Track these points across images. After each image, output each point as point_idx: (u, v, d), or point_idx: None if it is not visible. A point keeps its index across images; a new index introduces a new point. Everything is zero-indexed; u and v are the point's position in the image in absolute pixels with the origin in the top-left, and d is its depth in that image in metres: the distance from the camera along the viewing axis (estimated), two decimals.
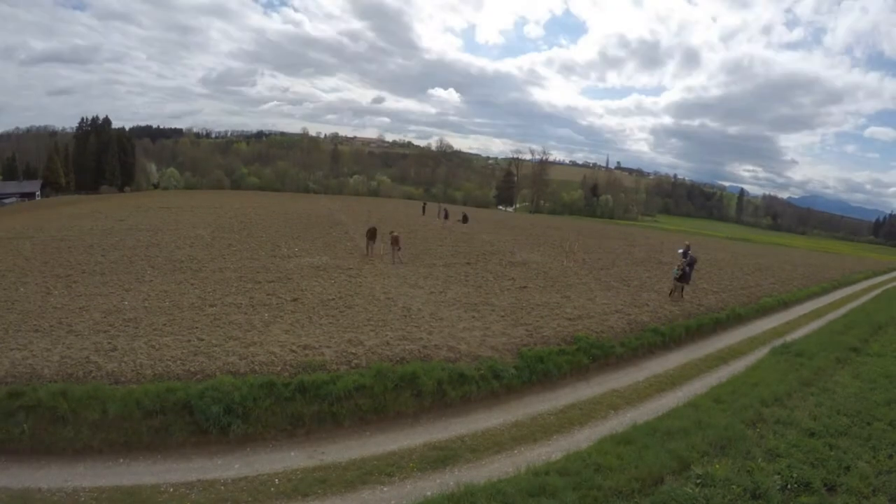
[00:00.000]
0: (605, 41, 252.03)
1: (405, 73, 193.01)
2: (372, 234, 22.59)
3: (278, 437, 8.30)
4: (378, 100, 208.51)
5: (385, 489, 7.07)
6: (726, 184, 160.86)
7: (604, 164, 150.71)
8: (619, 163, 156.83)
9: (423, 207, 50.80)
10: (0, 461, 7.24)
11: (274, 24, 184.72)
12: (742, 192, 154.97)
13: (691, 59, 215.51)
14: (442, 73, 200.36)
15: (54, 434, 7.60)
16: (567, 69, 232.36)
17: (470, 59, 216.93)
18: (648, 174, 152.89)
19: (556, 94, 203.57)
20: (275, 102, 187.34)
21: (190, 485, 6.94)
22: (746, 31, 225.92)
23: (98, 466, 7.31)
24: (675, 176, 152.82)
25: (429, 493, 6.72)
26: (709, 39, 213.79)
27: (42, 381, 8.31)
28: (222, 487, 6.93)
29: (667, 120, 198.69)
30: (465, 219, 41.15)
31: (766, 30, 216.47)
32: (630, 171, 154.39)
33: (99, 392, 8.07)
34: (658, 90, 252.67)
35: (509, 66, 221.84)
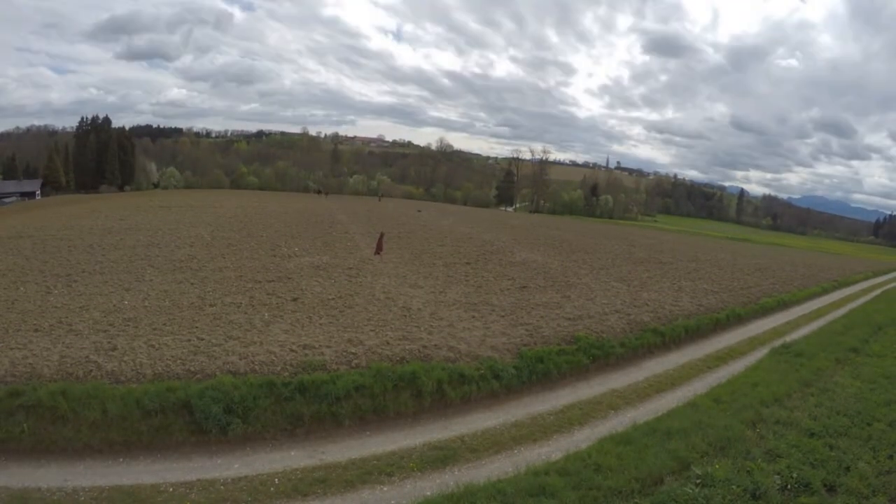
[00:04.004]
0: None
1: None
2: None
3: (278, 437, 8.30)
4: None
5: (385, 489, 7.06)
6: (726, 184, 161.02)
7: (604, 164, 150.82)
8: (619, 163, 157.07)
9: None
10: (0, 460, 7.24)
11: None
12: (742, 192, 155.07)
13: None
14: None
15: (54, 433, 7.60)
16: None
17: None
18: (648, 174, 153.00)
19: None
20: None
21: (190, 484, 6.94)
22: None
23: (98, 466, 7.31)
24: (675, 176, 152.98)
25: (429, 493, 6.72)
26: None
27: (42, 380, 8.30)
28: (222, 487, 6.92)
29: None
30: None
31: None
32: (630, 171, 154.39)
33: (99, 391, 8.06)
34: None
35: None
